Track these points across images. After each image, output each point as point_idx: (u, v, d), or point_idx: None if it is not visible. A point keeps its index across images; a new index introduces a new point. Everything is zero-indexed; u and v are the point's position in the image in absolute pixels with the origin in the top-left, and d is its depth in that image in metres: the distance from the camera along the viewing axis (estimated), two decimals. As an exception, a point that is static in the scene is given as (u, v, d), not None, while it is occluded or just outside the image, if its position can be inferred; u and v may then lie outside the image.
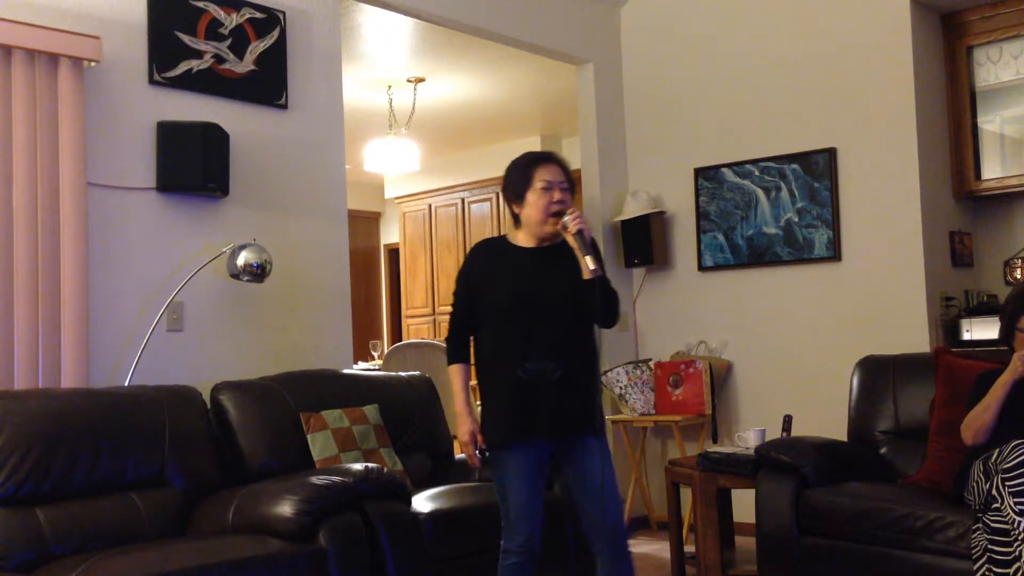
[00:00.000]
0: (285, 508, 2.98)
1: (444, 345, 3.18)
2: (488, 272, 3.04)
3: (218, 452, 3.49)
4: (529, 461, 2.96)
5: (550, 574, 3.64)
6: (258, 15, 4.17)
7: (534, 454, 2.97)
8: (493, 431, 2.98)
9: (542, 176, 2.99)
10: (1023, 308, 3.46)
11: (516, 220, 3.08)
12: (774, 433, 4.33)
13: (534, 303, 2.96)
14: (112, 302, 3.67)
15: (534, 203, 2.98)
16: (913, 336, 4.75)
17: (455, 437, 3.29)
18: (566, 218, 2.94)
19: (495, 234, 9.67)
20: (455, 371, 3.08)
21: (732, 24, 5.52)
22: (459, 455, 4.34)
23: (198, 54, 3.97)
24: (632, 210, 5.63)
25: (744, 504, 4.49)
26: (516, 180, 3.03)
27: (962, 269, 5.11)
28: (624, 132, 5.95)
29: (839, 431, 4.24)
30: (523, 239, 3.07)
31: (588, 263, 2.89)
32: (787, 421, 4.30)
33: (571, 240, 2.94)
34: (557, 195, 2.98)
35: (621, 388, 5.43)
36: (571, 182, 3.05)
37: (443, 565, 3.36)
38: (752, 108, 5.42)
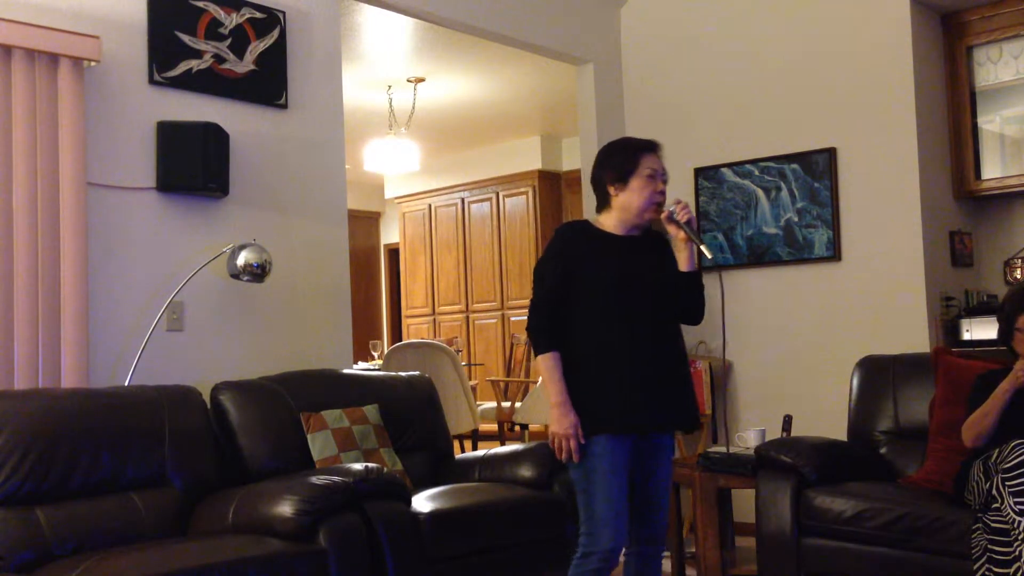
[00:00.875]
0: (285, 508, 2.98)
1: (529, 331, 2.94)
2: (586, 255, 2.90)
3: (218, 452, 3.49)
4: (624, 457, 2.84)
5: (549, 574, 3.65)
6: (258, 15, 4.17)
7: (627, 450, 2.85)
8: (593, 422, 2.82)
9: (649, 164, 2.92)
10: (1021, 308, 3.45)
11: (604, 203, 2.98)
12: (774, 433, 4.33)
13: (638, 290, 2.88)
14: (112, 302, 3.67)
15: (639, 190, 2.90)
16: (913, 336, 4.75)
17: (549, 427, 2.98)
18: (673, 207, 2.88)
19: (495, 234, 9.76)
20: (551, 360, 2.85)
21: (732, 24, 5.52)
22: (459, 456, 4.35)
23: (198, 54, 3.97)
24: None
25: (744, 504, 4.49)
26: (621, 163, 2.93)
27: (962, 269, 5.11)
28: (624, 132, 5.94)
29: (839, 431, 4.24)
30: (611, 225, 2.98)
31: (704, 250, 2.85)
32: (787, 421, 4.30)
33: (675, 230, 2.88)
34: (660, 186, 2.93)
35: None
36: (667, 175, 2.99)
37: (443, 565, 3.36)
38: (752, 108, 5.42)
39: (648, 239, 2.99)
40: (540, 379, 6.91)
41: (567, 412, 2.81)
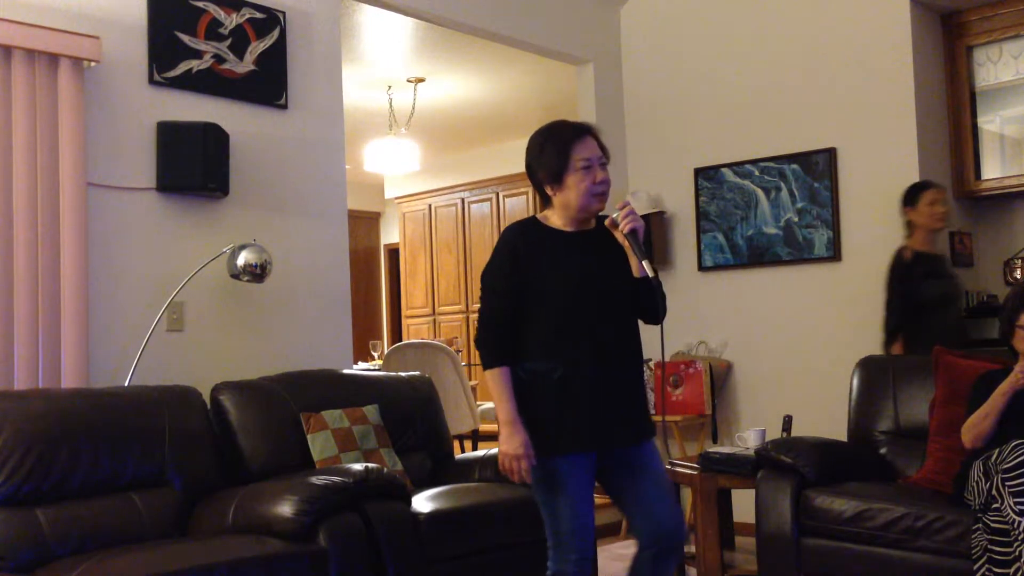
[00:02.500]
0: (285, 508, 2.98)
1: (477, 344, 2.73)
2: (535, 259, 2.67)
3: (218, 452, 3.49)
4: (585, 472, 2.66)
5: (550, 574, 3.64)
6: (258, 15, 4.17)
7: (589, 464, 2.67)
8: (550, 441, 2.63)
9: (582, 154, 2.67)
10: (1023, 305, 3.46)
11: (546, 201, 2.76)
12: (774, 433, 4.33)
13: (594, 294, 2.67)
14: (112, 302, 3.67)
15: (575, 186, 2.66)
16: (913, 336, 4.75)
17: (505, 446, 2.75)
18: (615, 215, 2.65)
19: (495, 234, 9.73)
20: (500, 375, 2.64)
21: (732, 24, 5.52)
22: (459, 456, 4.35)
23: (198, 54, 3.97)
24: (638, 206, 5.62)
25: (744, 504, 4.48)
26: (551, 161, 2.68)
27: (962, 269, 5.10)
28: (624, 132, 5.95)
29: (839, 431, 4.24)
30: (559, 222, 2.75)
31: (645, 268, 2.61)
32: (787, 421, 4.30)
33: (621, 238, 2.66)
34: (600, 175, 2.68)
35: (621, 388, 5.42)
36: (607, 155, 2.74)
37: (443, 565, 3.36)
38: (752, 108, 5.42)
39: (604, 229, 2.73)
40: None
41: (516, 431, 2.61)
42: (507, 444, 2.62)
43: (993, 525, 3.06)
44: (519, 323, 2.67)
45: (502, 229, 10.67)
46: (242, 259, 3.80)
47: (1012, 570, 2.99)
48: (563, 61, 5.84)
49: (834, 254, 5.09)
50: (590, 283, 2.68)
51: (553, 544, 2.69)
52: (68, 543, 2.93)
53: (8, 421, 2.99)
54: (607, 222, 2.69)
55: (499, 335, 2.67)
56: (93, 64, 3.60)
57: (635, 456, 2.73)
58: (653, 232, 5.60)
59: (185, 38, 3.93)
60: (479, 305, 2.78)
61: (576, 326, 2.65)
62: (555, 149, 2.69)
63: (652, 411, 5.42)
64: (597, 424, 2.65)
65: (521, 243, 2.70)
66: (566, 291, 2.66)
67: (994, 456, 3.17)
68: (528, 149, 2.77)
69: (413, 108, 7.70)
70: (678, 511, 2.80)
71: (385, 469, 3.39)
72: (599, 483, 2.79)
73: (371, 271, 11.73)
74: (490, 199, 9.88)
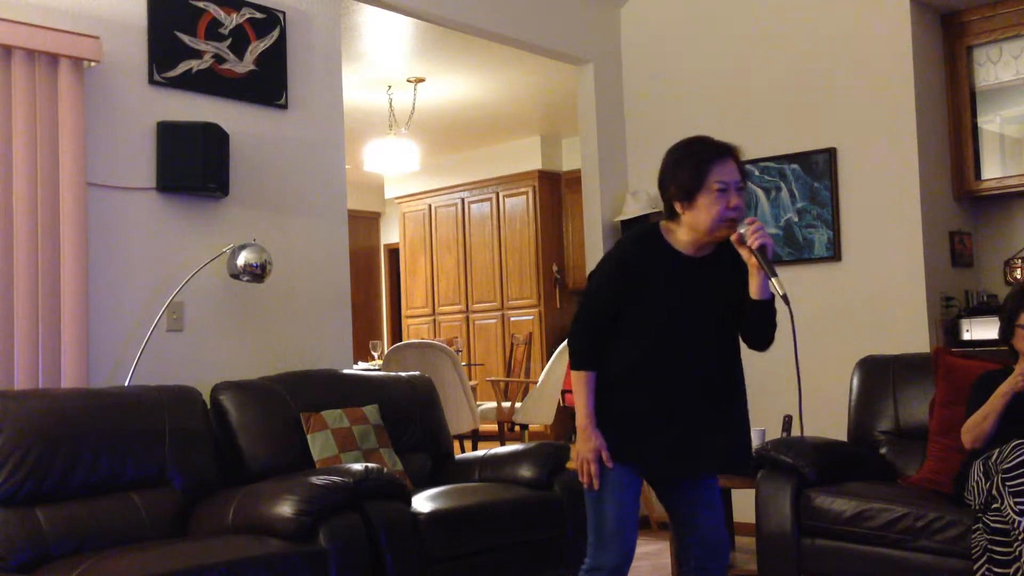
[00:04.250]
0: (285, 508, 2.98)
1: (571, 342, 2.73)
2: (650, 275, 2.64)
3: (218, 452, 3.49)
4: (638, 477, 2.70)
5: (549, 574, 3.65)
6: (258, 15, 4.17)
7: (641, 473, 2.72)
8: (616, 448, 2.65)
9: (719, 176, 2.58)
10: (1023, 304, 3.45)
11: (672, 215, 2.68)
12: (774, 433, 4.33)
13: (694, 325, 2.65)
14: (112, 302, 3.67)
15: (707, 207, 2.57)
16: (913, 336, 4.75)
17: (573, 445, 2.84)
18: (743, 230, 2.54)
19: (495, 234, 9.75)
20: (587, 379, 2.66)
21: (732, 24, 5.52)
22: (459, 456, 4.34)
23: (198, 54, 3.97)
24: (632, 210, 5.62)
25: (744, 504, 4.48)
26: (687, 178, 2.60)
27: (962, 269, 5.11)
28: (624, 132, 5.95)
29: (839, 431, 4.24)
30: (681, 241, 2.67)
31: (775, 286, 2.53)
32: (787, 421, 4.30)
33: (747, 255, 2.56)
34: (734, 200, 2.58)
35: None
36: (745, 180, 2.67)
37: (443, 565, 3.36)
38: (752, 108, 5.42)
39: (724, 254, 2.66)
40: (540, 379, 6.91)
41: (591, 435, 2.64)
42: (583, 446, 2.67)
43: (993, 525, 3.06)
44: (614, 329, 2.67)
45: (502, 229, 10.61)
46: (242, 259, 3.80)
47: (1012, 570, 2.99)
48: (563, 61, 5.84)
49: (834, 254, 5.09)
50: (693, 315, 2.66)
51: (594, 541, 2.70)
52: (68, 543, 2.93)
53: (8, 421, 2.99)
54: (734, 237, 2.59)
55: (593, 341, 2.68)
56: (93, 64, 3.60)
57: (696, 489, 2.77)
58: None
59: (185, 38, 3.93)
60: (581, 302, 2.77)
61: (667, 355, 2.64)
62: (692, 166, 2.62)
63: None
64: (670, 457, 2.65)
65: (637, 257, 2.67)
66: (667, 315, 2.64)
67: (994, 456, 3.17)
68: (664, 161, 2.72)
69: (413, 108, 7.70)
70: (725, 535, 2.82)
71: (385, 469, 3.39)
72: (651, 486, 2.85)
73: (371, 271, 11.74)
74: (490, 199, 9.88)
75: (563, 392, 6.99)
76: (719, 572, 2.78)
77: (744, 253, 2.58)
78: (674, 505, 2.81)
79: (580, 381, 2.68)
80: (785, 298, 2.54)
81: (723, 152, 2.63)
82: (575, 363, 2.70)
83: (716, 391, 2.71)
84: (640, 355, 2.64)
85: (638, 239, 2.73)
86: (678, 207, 2.65)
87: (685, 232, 2.67)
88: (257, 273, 3.82)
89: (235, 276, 3.84)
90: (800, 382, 2.71)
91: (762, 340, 2.74)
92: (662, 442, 2.65)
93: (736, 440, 2.77)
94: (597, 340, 2.68)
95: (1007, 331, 3.52)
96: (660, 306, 2.64)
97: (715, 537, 2.77)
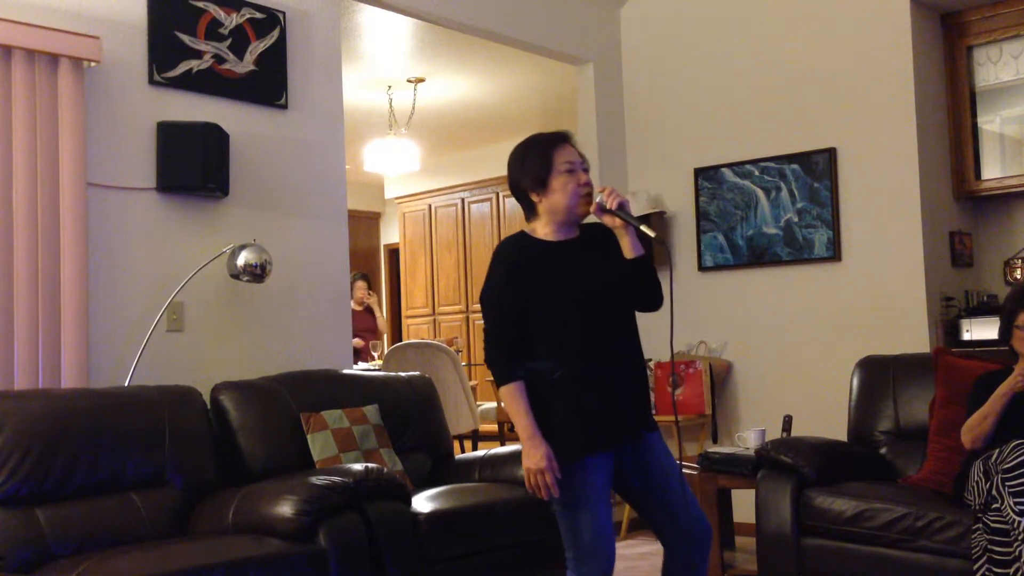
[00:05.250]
0: (285, 508, 2.98)
1: (488, 363, 2.73)
2: (531, 272, 2.71)
3: (218, 452, 3.49)
4: (603, 477, 2.67)
5: (548, 574, 3.64)
6: (258, 15, 4.17)
7: (605, 468, 2.68)
8: (565, 447, 2.63)
9: (564, 157, 2.72)
10: (1022, 305, 3.46)
11: (531, 212, 2.78)
12: (774, 433, 4.33)
13: (590, 299, 2.70)
14: (112, 302, 3.67)
15: (561, 188, 2.70)
16: (913, 336, 4.76)
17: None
18: (599, 197, 2.68)
19: (495, 234, 9.74)
20: (514, 391, 2.64)
21: (732, 24, 5.52)
22: (459, 456, 4.35)
23: (198, 54, 3.97)
24: (632, 210, 5.62)
25: (744, 504, 4.49)
26: (534, 167, 2.72)
27: (962, 269, 5.11)
28: (624, 132, 5.95)
29: (839, 431, 4.24)
30: (545, 232, 2.78)
31: (646, 230, 2.65)
32: (787, 421, 4.31)
33: (611, 220, 2.68)
34: (584, 177, 2.73)
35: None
36: (587, 161, 2.81)
37: (443, 565, 3.36)
38: (752, 108, 5.42)
39: (588, 234, 2.80)
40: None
41: (538, 444, 2.61)
42: (529, 459, 2.62)
43: (993, 525, 3.06)
44: (523, 337, 2.69)
45: (502, 229, 10.62)
46: (242, 259, 3.80)
47: (1012, 570, 2.99)
48: (563, 61, 5.84)
49: (834, 254, 5.09)
50: (583, 289, 2.70)
51: (573, 556, 2.67)
52: (68, 543, 2.93)
53: (8, 421, 2.99)
54: (593, 208, 2.71)
55: (508, 349, 2.69)
56: (93, 64, 3.60)
57: (648, 455, 2.75)
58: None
59: (185, 38, 3.93)
60: (484, 324, 2.78)
61: (575, 333, 2.67)
62: (537, 156, 2.74)
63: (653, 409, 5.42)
64: (605, 421, 2.66)
65: (517, 257, 2.74)
66: (559, 303, 2.68)
67: (994, 456, 3.17)
68: (510, 164, 2.81)
69: (413, 108, 7.70)
70: (699, 510, 2.80)
71: (385, 469, 3.39)
72: (619, 494, 2.81)
73: (371, 271, 11.74)
74: (490, 199, 9.88)
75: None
76: (706, 555, 2.77)
77: (607, 220, 2.70)
78: (638, 498, 2.79)
79: (510, 394, 2.65)
80: (659, 239, 2.72)
81: (560, 138, 2.78)
82: (500, 380, 2.68)
83: (624, 359, 2.75)
84: (549, 345, 2.67)
85: (505, 244, 2.82)
86: (535, 197, 2.75)
87: (545, 222, 2.77)
88: (257, 273, 3.82)
89: (235, 276, 3.84)
90: (673, 326, 2.78)
91: (651, 299, 2.78)
92: (597, 412, 2.65)
93: (645, 402, 2.82)
94: (512, 349, 2.68)
95: (1006, 332, 3.52)
96: (551, 297, 2.68)
97: (698, 530, 2.74)
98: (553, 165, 2.72)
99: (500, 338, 2.70)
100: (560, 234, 2.77)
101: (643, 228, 2.66)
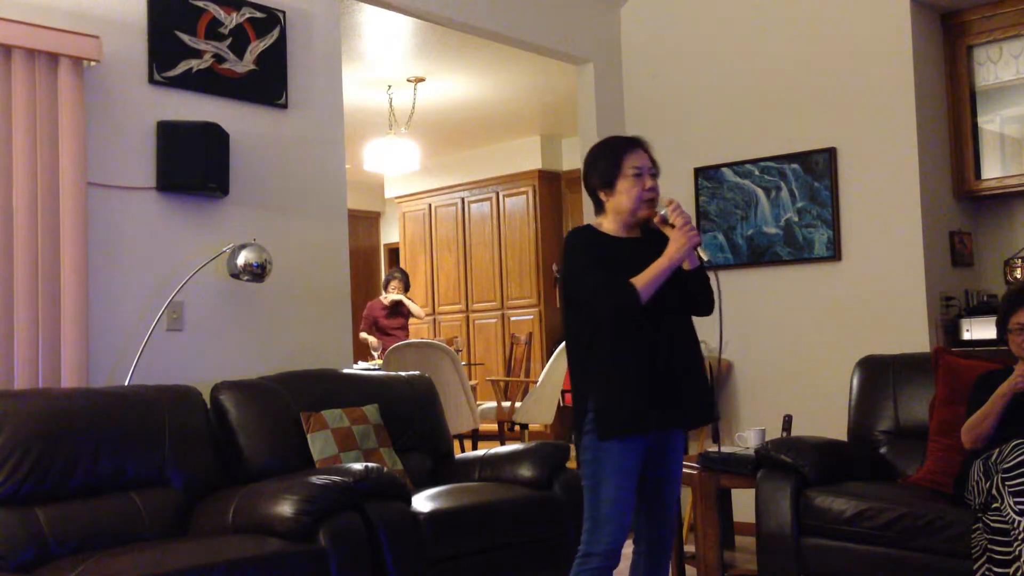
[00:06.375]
0: (285, 508, 2.98)
1: (615, 304, 2.80)
2: (598, 261, 2.85)
3: (218, 452, 3.49)
4: (636, 457, 2.82)
5: (549, 574, 3.64)
6: (258, 15, 4.17)
7: (639, 453, 2.83)
8: (612, 419, 2.78)
9: (633, 162, 2.88)
10: (1015, 308, 3.46)
11: (599, 208, 2.97)
12: (774, 433, 4.33)
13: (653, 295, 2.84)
14: (112, 302, 3.67)
15: (626, 191, 2.88)
16: (913, 336, 4.75)
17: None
18: (664, 211, 2.86)
19: (495, 234, 9.76)
20: (639, 277, 2.77)
21: (732, 24, 5.52)
22: (459, 455, 4.34)
23: (198, 54, 3.97)
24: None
25: (744, 504, 4.49)
26: (604, 167, 2.91)
27: (962, 269, 5.11)
28: (624, 132, 5.92)
29: (839, 431, 4.24)
30: (611, 228, 2.95)
31: (700, 253, 2.86)
32: (787, 421, 4.30)
33: (670, 232, 2.87)
34: (649, 182, 2.89)
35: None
36: (657, 167, 2.95)
37: (443, 565, 3.36)
38: (752, 108, 5.42)
39: (649, 235, 2.97)
40: (540, 379, 6.90)
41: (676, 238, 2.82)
42: (680, 242, 2.81)
43: (993, 525, 3.07)
44: (587, 318, 2.86)
45: (502, 229, 10.61)
46: (242, 259, 3.80)
47: (1012, 570, 2.99)
48: (563, 61, 5.84)
49: (834, 254, 5.09)
50: None
51: (589, 526, 2.82)
52: (68, 543, 2.93)
53: (8, 421, 2.99)
54: (656, 219, 2.90)
55: (616, 280, 2.78)
56: (93, 64, 3.60)
57: (672, 452, 2.94)
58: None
59: (185, 38, 3.93)
60: (584, 296, 2.85)
61: (631, 325, 2.81)
62: (609, 156, 2.92)
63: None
64: (651, 408, 2.80)
65: (584, 244, 2.91)
66: None
67: (994, 456, 3.17)
68: (585, 159, 3.01)
69: (413, 108, 7.70)
70: (673, 523, 3.04)
71: (385, 469, 3.39)
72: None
73: (371, 271, 11.73)
74: (490, 199, 9.88)
75: (563, 392, 6.99)
76: (666, 555, 2.98)
77: (668, 231, 2.89)
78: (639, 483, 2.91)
79: (646, 282, 2.76)
80: (709, 263, 2.91)
81: (634, 143, 2.95)
82: (633, 299, 2.75)
83: (681, 351, 2.90)
84: (615, 334, 2.82)
85: (575, 233, 2.99)
86: (602, 195, 2.94)
87: (611, 219, 2.95)
88: (257, 273, 3.83)
89: (235, 276, 3.84)
90: (722, 332, 3.07)
91: (704, 305, 2.98)
92: (649, 399, 2.80)
93: (705, 387, 2.98)
94: (620, 283, 2.78)
95: (1002, 334, 3.52)
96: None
97: (666, 526, 2.96)
98: (622, 168, 2.89)
99: (606, 285, 2.79)
100: (624, 231, 2.95)
101: (698, 251, 2.87)
